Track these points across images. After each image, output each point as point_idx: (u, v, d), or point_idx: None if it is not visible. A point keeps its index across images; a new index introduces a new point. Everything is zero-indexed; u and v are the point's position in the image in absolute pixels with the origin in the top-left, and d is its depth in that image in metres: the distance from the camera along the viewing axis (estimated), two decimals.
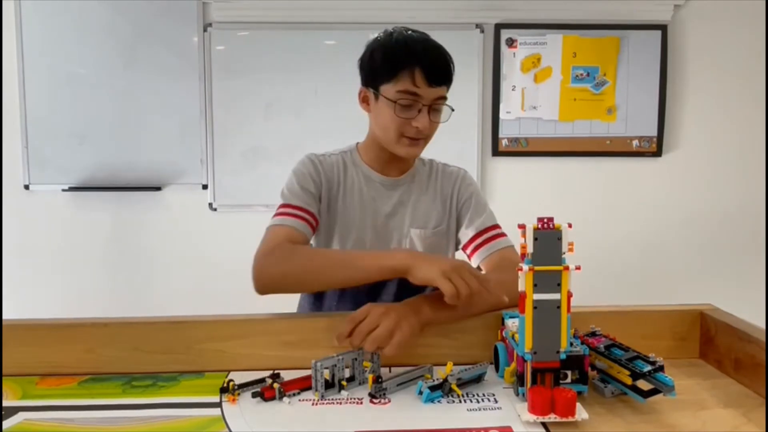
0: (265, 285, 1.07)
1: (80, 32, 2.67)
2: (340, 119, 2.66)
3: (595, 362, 0.86)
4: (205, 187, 2.77)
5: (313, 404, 0.84)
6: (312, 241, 1.27)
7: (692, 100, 2.82)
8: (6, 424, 0.79)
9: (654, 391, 0.80)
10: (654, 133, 2.79)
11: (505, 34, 2.74)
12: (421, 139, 1.18)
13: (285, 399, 0.84)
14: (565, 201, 2.81)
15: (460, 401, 0.84)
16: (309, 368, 0.86)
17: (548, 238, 0.76)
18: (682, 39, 2.79)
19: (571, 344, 0.80)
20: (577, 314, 0.84)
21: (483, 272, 1.20)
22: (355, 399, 0.85)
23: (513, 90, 2.77)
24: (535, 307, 0.77)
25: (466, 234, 1.27)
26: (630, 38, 2.75)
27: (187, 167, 2.76)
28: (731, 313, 0.99)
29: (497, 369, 0.93)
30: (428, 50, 1.15)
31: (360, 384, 0.89)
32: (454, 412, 0.81)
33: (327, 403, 0.84)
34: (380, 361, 0.91)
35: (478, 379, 0.89)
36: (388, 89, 1.14)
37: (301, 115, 2.74)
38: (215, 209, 2.79)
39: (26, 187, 2.73)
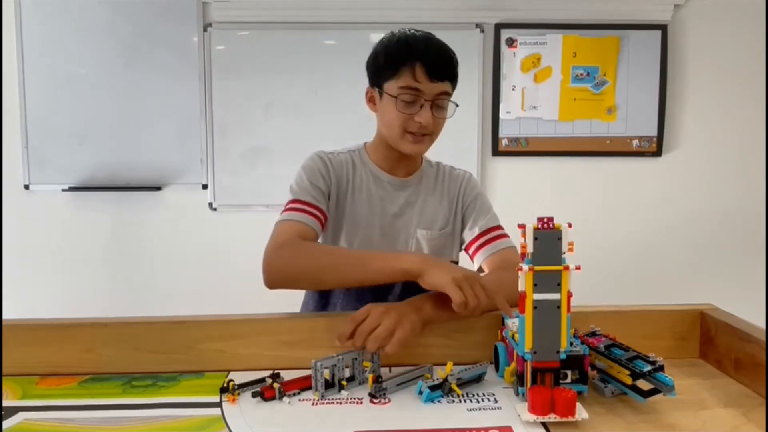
0: (274, 279, 1.07)
1: (80, 32, 2.67)
2: (340, 119, 2.66)
3: (595, 362, 0.86)
4: (205, 187, 2.77)
5: (313, 404, 0.84)
6: (320, 239, 1.27)
7: (692, 100, 2.81)
8: (6, 424, 0.79)
9: (654, 391, 0.80)
10: (654, 133, 2.79)
11: (505, 33, 2.74)
12: (426, 135, 1.18)
13: (285, 399, 0.84)
14: (565, 201, 2.81)
15: (460, 401, 0.84)
16: (309, 368, 0.86)
17: (548, 238, 0.76)
18: (682, 39, 2.79)
19: (571, 344, 0.80)
20: (577, 314, 0.84)
21: (486, 273, 1.20)
22: (355, 399, 0.85)
23: (513, 90, 2.77)
24: (535, 307, 0.77)
25: (469, 234, 1.27)
26: (630, 38, 2.75)
27: (187, 167, 2.76)
28: (731, 313, 0.99)
29: (497, 369, 0.93)
30: (429, 47, 1.16)
31: (360, 384, 0.89)
32: (454, 412, 0.81)
33: (327, 403, 0.84)
34: (380, 360, 0.91)
35: (478, 379, 0.89)
36: (391, 86, 1.15)
37: (301, 115, 2.74)
38: (215, 209, 2.79)
39: (26, 187, 2.73)
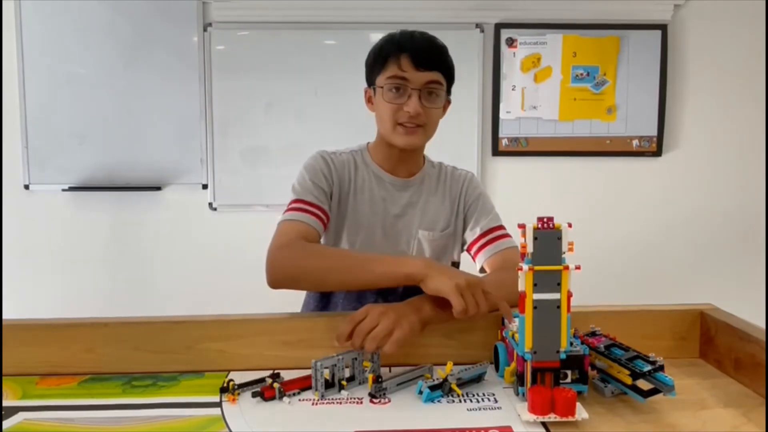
0: (278, 279, 1.07)
1: (80, 32, 2.67)
2: (340, 119, 2.66)
3: (595, 362, 0.86)
4: (205, 186, 2.77)
5: (313, 404, 0.84)
6: (322, 239, 1.27)
7: (692, 100, 2.81)
8: (6, 424, 0.79)
9: (654, 391, 0.80)
10: (654, 132, 2.79)
11: (505, 33, 2.74)
12: (419, 127, 1.17)
13: (285, 399, 0.84)
14: (565, 201, 2.81)
15: (460, 401, 0.84)
16: (309, 368, 0.86)
17: (548, 237, 0.76)
18: (682, 39, 2.79)
19: (571, 344, 0.80)
20: (577, 314, 0.84)
21: (487, 273, 1.20)
22: (355, 399, 0.85)
23: (513, 90, 2.77)
24: (535, 307, 0.77)
25: (471, 234, 1.28)
26: (630, 38, 2.75)
27: (187, 167, 2.76)
28: (731, 313, 0.99)
29: (497, 369, 0.93)
30: (415, 39, 1.17)
31: (360, 384, 0.89)
32: (454, 412, 0.81)
33: (327, 403, 0.84)
34: (380, 360, 0.91)
35: (478, 379, 0.89)
36: (381, 79, 1.17)
37: (301, 115, 2.74)
38: (215, 209, 2.79)
39: (26, 187, 2.73)
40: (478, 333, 0.98)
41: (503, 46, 2.75)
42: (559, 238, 0.76)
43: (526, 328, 0.77)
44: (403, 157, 1.25)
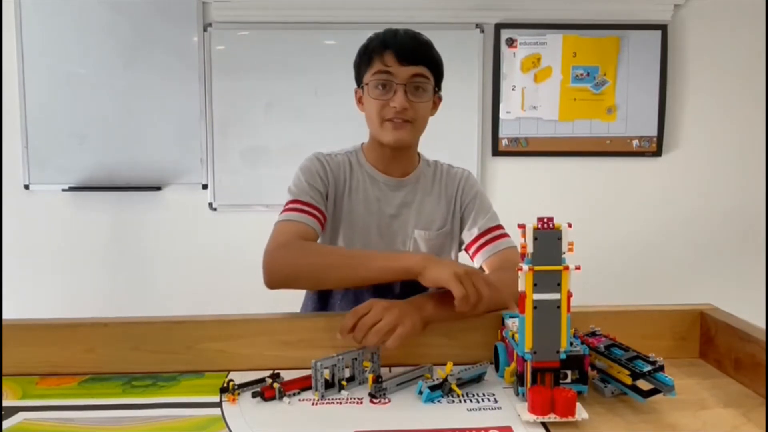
0: (275, 279, 1.07)
1: (80, 32, 2.67)
2: (340, 119, 2.66)
3: (595, 362, 0.86)
4: (205, 186, 2.77)
5: (313, 404, 0.84)
6: (319, 240, 1.27)
7: (692, 100, 2.81)
8: (6, 424, 0.79)
9: (654, 391, 0.80)
10: (654, 133, 2.79)
11: (505, 34, 2.74)
12: (407, 122, 1.17)
13: (285, 399, 0.84)
14: (565, 201, 2.81)
15: (460, 401, 0.84)
16: (309, 368, 0.86)
17: (548, 238, 0.76)
18: (682, 39, 2.79)
19: (571, 344, 0.80)
20: (577, 314, 0.84)
21: (487, 273, 1.20)
22: (355, 399, 0.85)
23: (513, 90, 2.77)
24: (535, 307, 0.77)
25: (469, 234, 1.27)
26: (630, 38, 2.75)
27: (187, 167, 2.76)
28: (731, 313, 0.99)
29: (497, 369, 0.93)
30: (399, 35, 1.18)
31: (360, 384, 0.89)
32: (454, 412, 0.81)
33: (327, 403, 0.84)
34: (380, 360, 0.92)
35: (478, 379, 0.89)
36: (367, 77, 1.18)
37: (301, 115, 2.74)
38: (215, 209, 2.79)
39: (26, 187, 2.73)
40: (478, 333, 0.98)
41: (503, 46, 2.75)
42: (559, 238, 0.76)
43: (526, 328, 0.77)
44: (395, 156, 1.24)
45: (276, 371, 0.90)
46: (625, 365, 0.81)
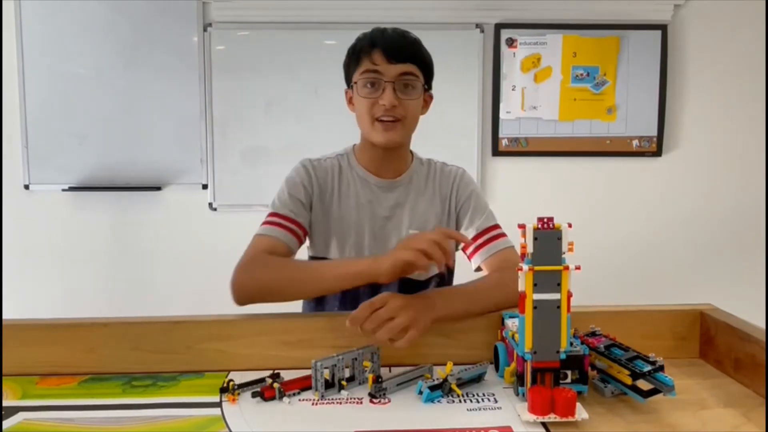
0: (240, 297, 1.09)
1: (80, 32, 2.67)
2: (341, 119, 2.64)
3: (595, 362, 0.86)
4: (205, 186, 2.77)
5: (313, 404, 0.84)
6: (309, 247, 1.28)
7: (692, 100, 2.81)
8: (6, 423, 0.79)
9: (654, 391, 0.80)
10: (654, 133, 2.79)
11: (505, 34, 2.74)
12: (397, 121, 1.17)
13: (285, 399, 0.84)
14: (565, 201, 2.81)
15: (460, 401, 0.84)
16: (309, 368, 0.86)
17: (548, 237, 0.76)
18: (682, 39, 2.79)
19: (571, 344, 0.80)
20: (577, 314, 0.84)
21: (486, 273, 1.20)
22: (355, 399, 0.85)
23: (513, 90, 2.76)
24: (535, 307, 0.77)
25: (466, 235, 1.26)
26: (630, 38, 2.75)
27: (187, 167, 2.75)
28: (731, 313, 0.99)
29: (497, 369, 0.93)
30: (387, 33, 1.18)
31: (360, 384, 0.89)
32: (454, 412, 0.81)
33: (327, 403, 0.84)
34: (380, 360, 0.92)
35: (478, 379, 0.89)
36: (356, 76, 1.18)
37: (301, 115, 2.74)
38: (215, 209, 2.79)
39: (26, 187, 2.72)
40: (478, 333, 0.98)
41: (503, 46, 2.75)
42: (559, 238, 0.76)
43: (526, 328, 0.77)
44: (387, 155, 1.24)
45: (276, 371, 0.90)
46: (625, 365, 0.81)
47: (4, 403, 0.85)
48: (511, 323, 0.88)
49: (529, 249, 0.76)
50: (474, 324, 0.98)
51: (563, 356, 0.77)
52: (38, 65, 2.67)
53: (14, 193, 2.73)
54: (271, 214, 1.21)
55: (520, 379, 0.82)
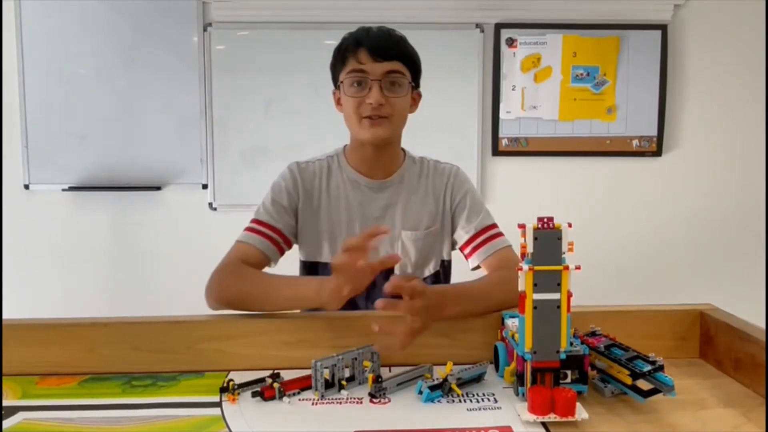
0: (210, 303, 1.10)
1: (80, 32, 2.67)
2: (341, 119, 2.65)
3: (595, 362, 0.86)
4: (205, 186, 2.77)
5: (313, 404, 0.84)
6: (299, 251, 1.28)
7: (692, 100, 2.81)
8: (6, 423, 0.79)
9: (654, 391, 0.80)
10: (654, 132, 2.79)
11: (505, 33, 2.74)
12: (384, 118, 1.16)
13: (285, 399, 0.84)
14: (565, 201, 2.81)
15: (460, 401, 0.84)
16: (309, 368, 0.86)
17: (548, 237, 0.76)
18: (682, 39, 2.79)
19: (571, 344, 0.80)
20: (577, 314, 0.84)
21: (485, 273, 1.19)
22: (355, 399, 0.85)
23: (513, 90, 2.76)
24: (535, 307, 0.77)
25: (463, 234, 1.25)
26: (630, 38, 2.75)
27: (187, 167, 2.75)
28: (731, 313, 0.99)
29: (497, 369, 0.93)
30: (372, 32, 1.18)
31: (360, 384, 0.89)
32: (454, 412, 0.81)
33: (327, 403, 0.84)
34: (380, 360, 0.92)
35: (478, 379, 0.89)
36: (342, 75, 1.19)
37: (301, 115, 2.74)
38: (215, 209, 2.79)
39: (26, 186, 2.72)
40: (478, 333, 0.98)
41: (503, 46, 2.75)
42: (559, 238, 0.76)
43: (526, 328, 0.77)
44: (377, 154, 1.23)
45: (276, 371, 0.90)
46: (625, 365, 0.81)
47: (4, 403, 0.85)
48: (511, 323, 0.88)
49: (529, 249, 0.76)
50: (474, 324, 0.98)
51: (563, 356, 0.77)
52: (38, 65, 2.66)
53: (14, 193, 2.73)
54: (253, 221, 1.23)
55: (520, 379, 0.82)
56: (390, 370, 0.93)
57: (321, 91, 2.72)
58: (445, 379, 0.85)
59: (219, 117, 2.73)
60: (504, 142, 2.79)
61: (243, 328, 0.98)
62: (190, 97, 2.71)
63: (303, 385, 0.87)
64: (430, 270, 1.27)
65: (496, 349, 0.94)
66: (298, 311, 1.30)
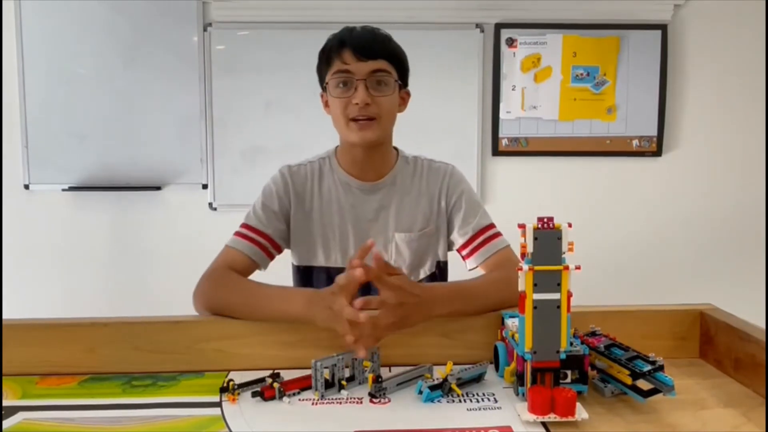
0: (197, 307, 1.10)
1: (80, 32, 2.67)
2: None
3: (595, 362, 0.86)
4: (205, 186, 2.77)
5: (313, 404, 0.84)
6: (292, 255, 1.27)
7: (692, 100, 2.81)
8: (6, 423, 0.79)
9: (654, 391, 0.80)
10: (654, 132, 2.79)
11: (505, 33, 2.74)
12: (372, 120, 1.15)
13: (285, 399, 0.84)
14: (565, 201, 2.81)
15: (460, 401, 0.84)
16: (309, 368, 0.86)
17: (548, 237, 0.76)
18: (682, 39, 2.79)
19: (571, 344, 0.80)
20: (577, 314, 0.84)
21: (484, 273, 1.19)
22: (355, 399, 0.85)
23: (513, 90, 2.76)
24: (535, 307, 0.77)
25: (461, 236, 1.24)
26: (630, 38, 2.75)
27: (187, 167, 2.75)
28: (731, 313, 0.99)
29: (497, 369, 0.93)
30: (356, 32, 1.18)
31: (360, 384, 0.89)
32: (454, 412, 0.81)
33: (327, 403, 0.84)
34: (380, 360, 0.92)
35: (478, 379, 0.89)
36: (328, 77, 1.18)
37: (301, 115, 2.74)
38: (215, 209, 2.79)
39: (26, 186, 2.72)
40: (478, 333, 0.98)
41: (503, 46, 2.75)
42: (559, 238, 0.76)
43: (526, 328, 0.77)
44: (368, 156, 1.21)
45: (276, 371, 0.90)
46: (625, 365, 0.81)
47: (4, 403, 0.85)
48: (511, 323, 0.88)
49: (529, 249, 0.76)
50: (474, 324, 0.98)
51: (563, 356, 0.77)
52: (38, 65, 2.67)
53: (14, 193, 2.73)
54: (242, 225, 1.22)
55: (520, 378, 0.82)
56: (390, 370, 0.93)
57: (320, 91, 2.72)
58: (445, 379, 0.85)
59: (219, 117, 2.73)
60: (504, 142, 2.79)
61: (243, 328, 0.98)
62: (190, 97, 2.71)
63: (303, 385, 0.87)
64: (425, 271, 1.26)
65: (496, 349, 0.94)
66: None
